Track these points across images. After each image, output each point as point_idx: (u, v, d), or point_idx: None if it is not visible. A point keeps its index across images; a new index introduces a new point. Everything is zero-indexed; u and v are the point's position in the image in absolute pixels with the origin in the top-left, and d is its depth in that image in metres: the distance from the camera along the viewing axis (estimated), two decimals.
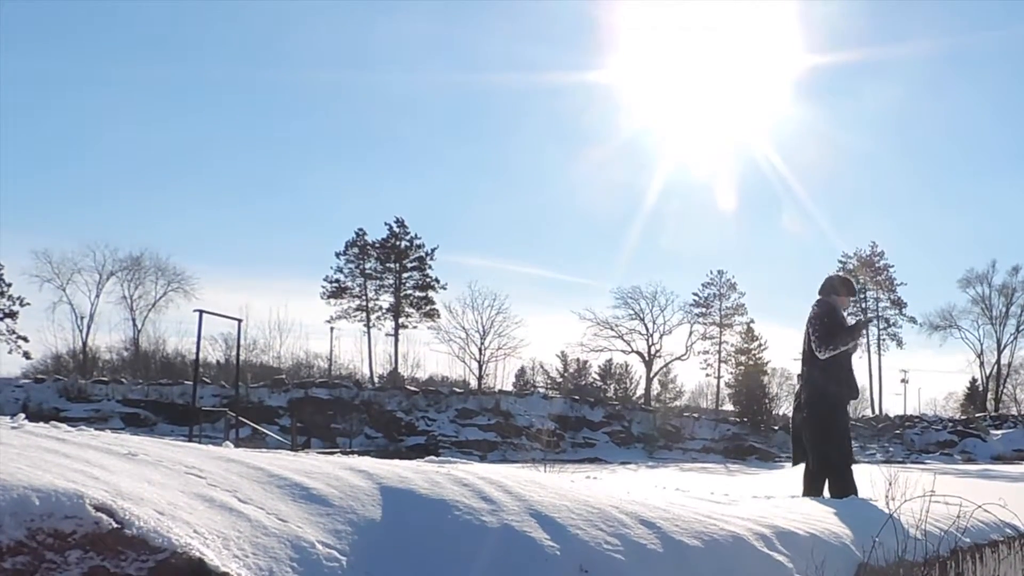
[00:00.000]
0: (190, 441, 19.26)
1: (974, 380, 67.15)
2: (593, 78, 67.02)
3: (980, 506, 4.41)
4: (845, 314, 7.40)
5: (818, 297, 7.42)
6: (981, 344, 67.13)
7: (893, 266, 66.94)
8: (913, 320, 66.51)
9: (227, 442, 3.75)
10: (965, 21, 75.04)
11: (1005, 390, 68.10)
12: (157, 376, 44.36)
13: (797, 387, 7.44)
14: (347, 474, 2.69)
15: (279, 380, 44.31)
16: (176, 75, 71.71)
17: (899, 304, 66.67)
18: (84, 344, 52.19)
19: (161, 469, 2.26)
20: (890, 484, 4.26)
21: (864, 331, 7.46)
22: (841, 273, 8.13)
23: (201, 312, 19.15)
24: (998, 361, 66.76)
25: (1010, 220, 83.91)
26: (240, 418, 24.41)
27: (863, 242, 68.41)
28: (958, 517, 4.34)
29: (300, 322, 61.64)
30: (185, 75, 72.42)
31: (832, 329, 7.06)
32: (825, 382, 7.04)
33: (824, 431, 6.99)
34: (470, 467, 3.26)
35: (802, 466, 7.26)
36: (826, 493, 6.88)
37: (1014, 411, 63.81)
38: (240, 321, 22.21)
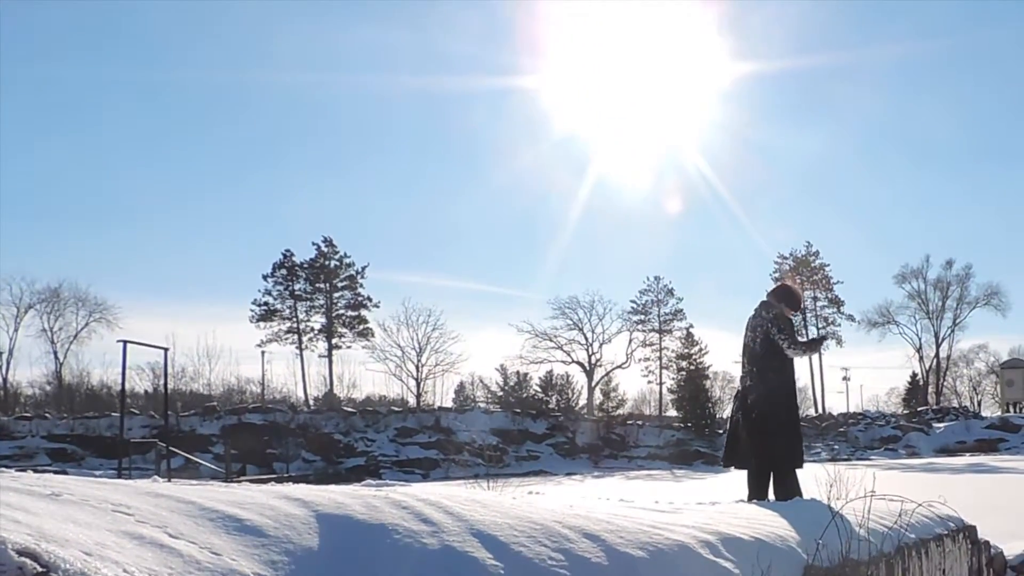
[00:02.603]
0: (119, 475, 18.81)
1: (914, 375, 68.60)
2: (521, 83, 67.31)
3: (921, 504, 4.48)
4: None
5: (766, 299, 7.50)
6: (919, 339, 68.71)
7: (829, 265, 68.16)
8: (851, 318, 67.73)
9: (155, 476, 3.64)
10: (899, 26, 77.22)
11: (945, 383, 69.91)
12: (83, 409, 43.23)
13: (740, 387, 7.45)
14: (281, 503, 2.62)
15: (211, 407, 43.55)
16: (83, 92, 70.27)
17: (837, 302, 67.79)
18: (4, 380, 50.82)
19: (87, 508, 2.17)
20: (831, 485, 4.30)
21: (821, 346, 7.59)
22: (790, 284, 8.21)
23: (125, 342, 18.65)
24: (937, 355, 68.43)
25: (943, 215, 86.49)
26: (171, 448, 23.90)
27: (798, 242, 69.68)
28: (901, 514, 4.39)
29: (230, 347, 60.56)
30: (94, 91, 70.97)
31: (794, 335, 7.18)
32: (780, 381, 7.11)
33: (779, 427, 7.01)
34: (408, 489, 3.21)
35: (744, 472, 7.30)
36: (771, 496, 6.92)
37: (955, 404, 65.42)
38: (166, 350, 21.70)
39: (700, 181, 67.68)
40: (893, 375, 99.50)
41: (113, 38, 70.54)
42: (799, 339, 7.23)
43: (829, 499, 4.37)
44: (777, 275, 65.05)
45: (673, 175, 74.36)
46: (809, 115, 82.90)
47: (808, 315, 65.12)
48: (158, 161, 75.45)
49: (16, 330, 51.57)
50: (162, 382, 35.04)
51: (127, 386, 46.17)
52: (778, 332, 7.09)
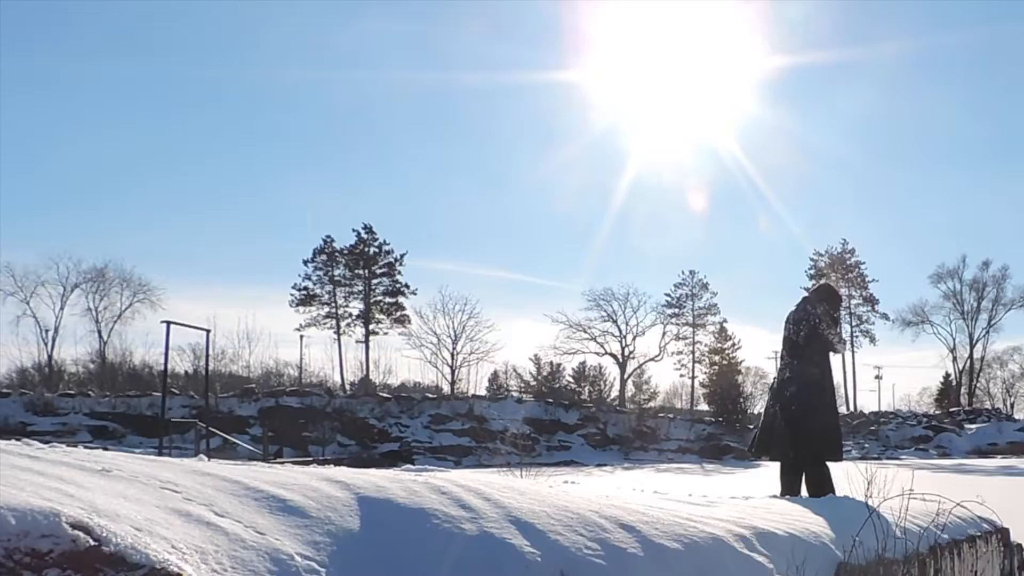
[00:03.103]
0: (160, 453, 19.08)
1: (947, 375, 67.86)
2: (562, 78, 67.29)
3: (959, 503, 4.45)
4: None
5: (810, 296, 7.53)
6: (953, 339, 67.81)
7: (864, 263, 67.52)
8: (885, 316, 67.07)
9: (201, 455, 3.71)
10: (932, 21, 76.13)
11: (978, 384, 68.82)
12: (124, 388, 43.85)
13: (778, 379, 7.41)
14: (324, 485, 2.66)
15: (249, 389, 43.97)
16: (137, 80, 71.03)
17: (871, 301, 67.18)
18: (50, 357, 51.56)
19: (136, 485, 2.22)
20: (868, 483, 4.28)
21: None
22: (833, 284, 8.25)
23: (168, 323, 18.95)
24: (971, 356, 67.47)
25: (980, 215, 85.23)
26: (211, 429, 24.19)
27: (834, 240, 69.02)
28: (937, 514, 4.37)
29: (269, 331, 61.28)
30: (146, 81, 71.74)
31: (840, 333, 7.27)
32: (820, 374, 7.10)
33: (818, 419, 6.99)
34: (448, 475, 3.24)
35: (776, 466, 7.29)
36: (804, 492, 6.90)
37: (988, 405, 64.55)
38: (208, 331, 22.03)
39: (739, 176, 67.49)
40: (926, 375, 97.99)
41: (170, 35, 71.15)
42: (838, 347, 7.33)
43: (866, 496, 4.35)
44: (812, 272, 64.57)
45: (711, 169, 74.20)
46: (847, 110, 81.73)
47: (843, 312, 64.48)
48: (205, 149, 76.26)
49: (62, 308, 52.30)
50: (203, 363, 35.47)
51: (168, 367, 47.00)
52: (827, 327, 7.11)
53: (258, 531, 2.19)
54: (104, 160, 71.91)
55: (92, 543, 1.70)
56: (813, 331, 7.11)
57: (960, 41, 74.60)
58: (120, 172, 73.30)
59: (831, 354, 7.29)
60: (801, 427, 6.94)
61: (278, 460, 24.22)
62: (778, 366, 7.60)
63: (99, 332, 53.53)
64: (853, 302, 66.41)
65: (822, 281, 7.86)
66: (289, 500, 2.44)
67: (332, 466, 3.44)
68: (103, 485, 2.13)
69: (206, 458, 3.16)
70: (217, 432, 25.34)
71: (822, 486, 6.75)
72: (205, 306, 79.07)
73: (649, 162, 79.46)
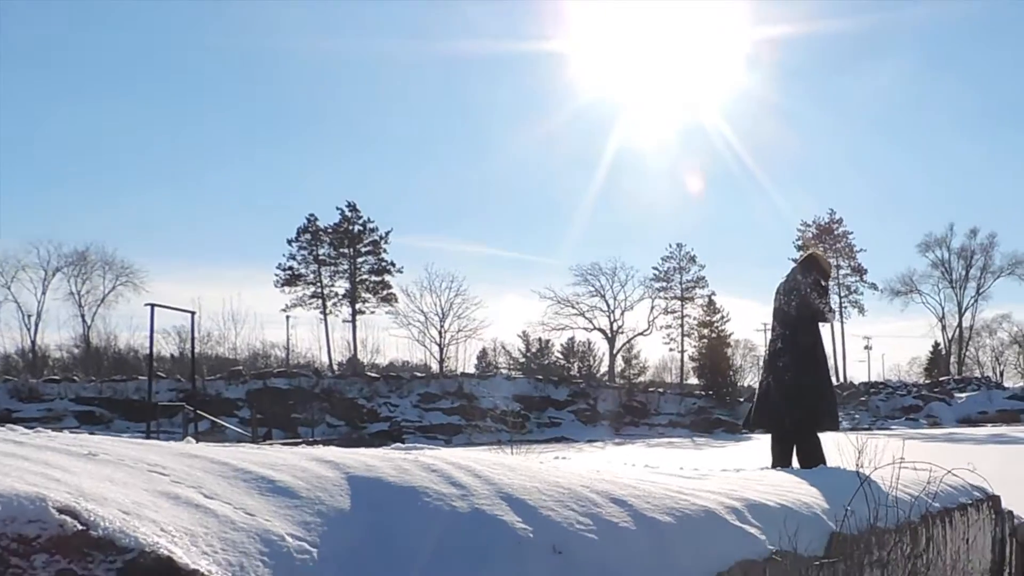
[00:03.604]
0: (148, 437, 19.06)
1: (937, 344, 68.45)
2: (544, 48, 67.19)
3: (949, 471, 4.47)
4: None
5: (799, 266, 7.53)
6: (942, 308, 68.37)
7: (852, 233, 67.70)
8: (874, 286, 67.43)
9: (188, 437, 3.69)
10: None
11: (968, 353, 69.47)
12: (110, 372, 43.77)
13: (770, 350, 7.40)
14: (313, 465, 2.65)
15: (236, 372, 43.94)
16: (111, 58, 70.54)
17: (859, 271, 67.46)
18: (33, 343, 51.53)
19: (123, 468, 2.20)
20: (859, 452, 4.29)
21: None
22: (823, 257, 8.18)
23: (153, 306, 18.92)
24: (959, 324, 68.02)
25: (967, 183, 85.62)
26: (198, 412, 24.16)
27: (821, 210, 69.18)
28: (928, 483, 4.39)
29: (255, 312, 61.58)
30: (125, 57, 71.27)
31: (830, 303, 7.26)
32: (812, 343, 7.12)
33: (813, 388, 7.00)
34: (438, 452, 3.23)
35: (767, 438, 7.30)
36: (795, 463, 6.92)
37: (977, 374, 65.03)
38: (193, 314, 21.99)
39: (724, 147, 67.42)
40: (915, 344, 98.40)
41: (145, 8, 70.42)
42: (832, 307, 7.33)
43: (857, 466, 4.37)
44: (800, 243, 64.74)
45: (697, 142, 74.34)
46: (833, 80, 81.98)
47: (832, 283, 64.59)
48: (185, 127, 75.88)
49: (44, 293, 52.24)
50: (188, 346, 35.41)
51: (154, 350, 46.81)
52: (819, 297, 7.11)
53: (248, 512, 2.17)
54: (83, 141, 71.64)
55: (80, 527, 1.68)
56: (803, 301, 7.11)
57: (955, 8, 74.50)
58: (99, 153, 73.16)
59: (821, 324, 7.29)
60: (796, 397, 6.95)
61: (267, 442, 24.21)
62: (769, 337, 7.59)
63: (82, 316, 53.48)
64: (841, 272, 66.71)
65: (810, 251, 7.82)
66: (278, 481, 2.42)
67: (321, 447, 3.43)
68: (90, 469, 2.11)
69: (193, 440, 3.14)
70: (205, 415, 25.32)
71: (814, 457, 6.77)
72: (190, 288, 78.96)
73: (634, 135, 79.52)
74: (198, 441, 3.12)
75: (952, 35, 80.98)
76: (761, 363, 8.02)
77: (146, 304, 19.56)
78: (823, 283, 7.59)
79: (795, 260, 7.92)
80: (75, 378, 41.03)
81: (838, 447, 5.52)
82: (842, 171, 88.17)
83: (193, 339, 26.65)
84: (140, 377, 39.04)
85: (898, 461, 4.13)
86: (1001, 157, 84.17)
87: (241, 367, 46.47)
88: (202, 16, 74.02)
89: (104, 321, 53.69)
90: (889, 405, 53.71)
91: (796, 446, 7.00)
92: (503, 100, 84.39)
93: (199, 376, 38.63)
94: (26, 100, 68.43)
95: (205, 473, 2.34)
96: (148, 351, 26.59)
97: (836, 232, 67.19)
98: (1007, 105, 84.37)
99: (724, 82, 75.79)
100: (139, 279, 54.17)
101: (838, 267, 66.19)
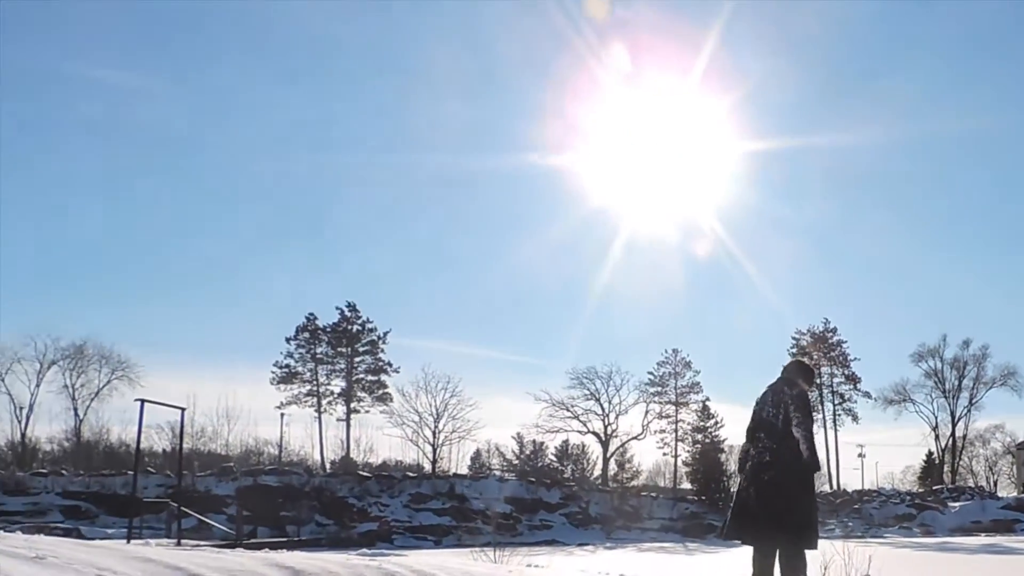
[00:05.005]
0: (130, 534, 18.73)
1: (930, 453, 67.94)
2: (543, 160, 67.99)
3: None
4: None
5: (786, 376, 7.50)
6: (936, 417, 67.94)
7: (846, 342, 67.57)
8: (868, 395, 67.02)
9: (150, 541, 3.65)
10: (908, 109, 77.76)
11: (961, 462, 68.93)
12: (101, 466, 43.23)
13: (754, 461, 7.22)
14: (272, 571, 2.62)
15: (227, 468, 43.43)
16: (111, 158, 71.64)
17: (853, 379, 67.13)
18: (23, 435, 50.94)
19: (70, 572, 2.18)
20: (825, 568, 4.25)
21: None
22: (807, 361, 8.19)
23: (143, 401, 18.79)
24: (952, 434, 67.57)
25: (959, 294, 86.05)
26: (183, 509, 23.78)
27: (816, 319, 69.28)
28: None
29: (249, 408, 60.91)
30: (121, 158, 72.29)
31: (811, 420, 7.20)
32: (800, 459, 6.97)
33: (797, 505, 6.90)
34: (404, 559, 3.21)
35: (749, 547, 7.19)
36: (776, 573, 6.81)
37: (971, 483, 64.39)
38: (183, 409, 21.79)
39: (723, 255, 67.92)
40: (909, 453, 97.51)
41: (136, 109, 71.90)
42: (814, 429, 7.22)
43: None
44: (795, 350, 64.68)
45: (693, 250, 74.34)
46: (823, 191, 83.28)
47: (825, 391, 64.66)
48: (187, 226, 76.69)
49: (38, 385, 51.87)
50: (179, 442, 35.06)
51: (145, 445, 46.37)
52: (801, 418, 7.03)
53: None
54: (83, 240, 72.23)
55: None
56: (787, 415, 7.07)
57: (939, 129, 76.11)
58: (100, 251, 73.56)
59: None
60: (782, 515, 6.85)
61: (251, 541, 23.81)
62: (752, 446, 7.41)
63: (75, 409, 53.03)
64: (835, 380, 66.48)
65: (795, 359, 7.79)
66: None
67: (305, 548, 3.39)
68: (33, 573, 2.08)
69: (169, 540, 3.12)
70: (190, 512, 24.91)
71: (797, 570, 6.68)
72: (185, 383, 78.28)
73: (632, 242, 79.88)
74: (181, 539, 3.09)
75: (934, 149, 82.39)
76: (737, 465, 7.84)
77: (136, 399, 19.45)
78: (809, 389, 7.58)
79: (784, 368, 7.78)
80: (63, 472, 40.48)
81: (823, 555, 5.46)
82: (837, 281, 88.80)
83: (181, 435, 26.40)
84: (129, 472, 38.48)
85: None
86: (993, 270, 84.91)
87: (232, 464, 45.92)
88: (203, 124, 75.54)
89: (97, 415, 53.25)
90: (883, 513, 52.92)
91: (780, 556, 6.90)
92: (503, 208, 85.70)
93: (189, 472, 38.17)
94: (24, 196, 69.35)
95: None
96: (135, 446, 26.31)
97: (830, 340, 67.14)
98: (997, 221, 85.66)
99: (721, 192, 77.09)
100: (135, 373, 53.87)
101: (832, 375, 66.19)
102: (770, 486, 6.94)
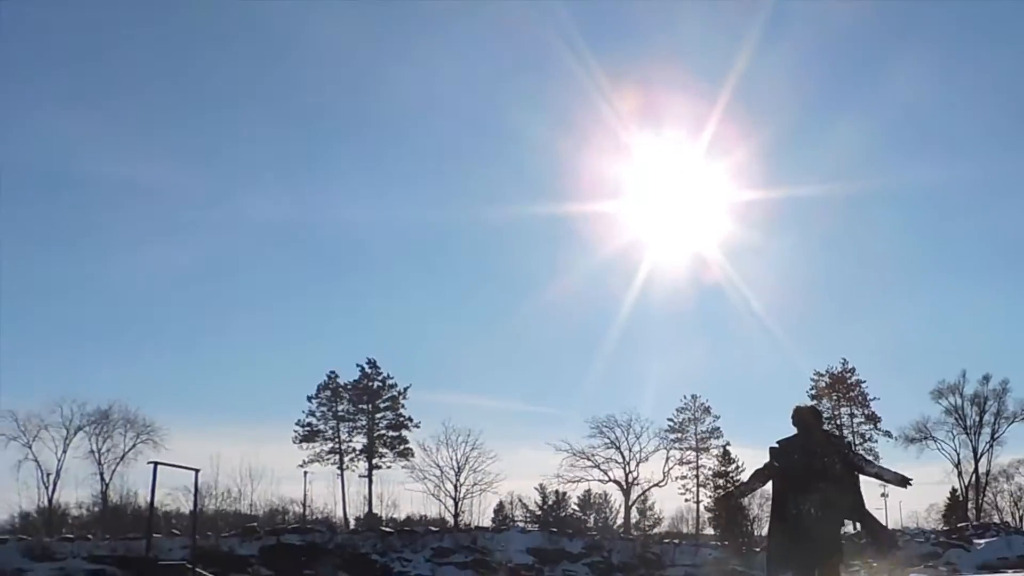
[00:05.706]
0: None
1: (954, 490, 67.18)
2: (557, 211, 69.05)
3: None
4: None
5: (814, 424, 7.94)
6: (958, 454, 67.16)
7: (865, 381, 67.30)
8: (888, 434, 66.47)
9: None
10: (905, 156, 78.15)
11: (985, 498, 67.99)
12: (128, 530, 43.94)
13: (821, 509, 7.51)
14: None
15: (251, 528, 43.94)
16: (135, 218, 73.51)
17: (873, 419, 66.75)
18: (50, 501, 51.68)
19: None
20: None
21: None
22: (815, 407, 8.88)
23: (156, 463, 19.73)
24: (976, 470, 66.81)
25: (979, 329, 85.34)
26: (198, 570, 24.47)
27: (834, 360, 69.17)
28: None
29: (272, 468, 61.65)
30: (148, 222, 74.24)
31: None
32: (898, 474, 7.69)
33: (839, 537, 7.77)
34: None
35: None
36: None
37: (996, 519, 63.54)
38: (197, 471, 22.62)
39: (738, 301, 68.19)
40: (932, 491, 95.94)
41: (163, 166, 73.85)
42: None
43: None
44: (814, 392, 64.65)
45: (710, 296, 74.99)
46: (839, 235, 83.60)
47: (845, 432, 64.41)
48: (208, 285, 78.13)
49: (65, 452, 52.50)
50: (206, 503, 35.85)
51: (172, 507, 47.10)
52: (864, 458, 8.00)
53: None
54: (108, 305, 73.88)
55: None
56: (845, 459, 7.71)
57: (952, 168, 76.46)
58: (123, 316, 75.10)
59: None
60: (836, 542, 7.64)
61: None
62: (806, 497, 7.55)
63: (101, 474, 53.76)
64: (855, 420, 66.20)
65: (809, 407, 8.31)
66: None
67: None
68: None
69: None
70: (205, 574, 25.59)
71: None
72: (208, 444, 79.31)
73: (648, 291, 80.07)
74: None
75: (949, 189, 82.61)
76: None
77: (149, 462, 20.36)
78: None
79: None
80: (89, 536, 41.18)
81: None
82: (855, 321, 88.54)
83: (196, 495, 27.26)
84: (156, 535, 39.23)
85: None
86: (1012, 305, 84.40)
87: (256, 523, 46.51)
88: (222, 184, 77.40)
89: (123, 479, 53.92)
90: (908, 552, 52.39)
91: None
92: (519, 261, 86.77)
93: (212, 533, 38.81)
94: (46, 262, 71.28)
95: None
96: (159, 508, 27.16)
97: (849, 381, 66.98)
98: (1014, 253, 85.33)
99: (737, 238, 77.45)
100: (159, 436, 54.63)
101: (852, 415, 66.02)
102: (839, 517, 7.81)
